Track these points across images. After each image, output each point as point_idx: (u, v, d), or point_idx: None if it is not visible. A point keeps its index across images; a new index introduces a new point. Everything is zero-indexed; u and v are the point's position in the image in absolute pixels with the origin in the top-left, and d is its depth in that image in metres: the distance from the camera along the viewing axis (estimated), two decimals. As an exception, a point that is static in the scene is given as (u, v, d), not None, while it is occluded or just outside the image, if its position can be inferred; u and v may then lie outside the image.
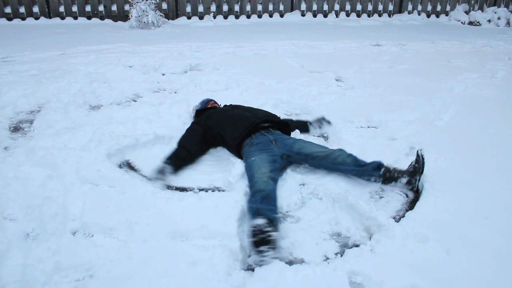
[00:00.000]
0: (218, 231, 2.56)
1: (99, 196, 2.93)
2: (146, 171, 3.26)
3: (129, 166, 3.34)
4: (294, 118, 4.11)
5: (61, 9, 9.22)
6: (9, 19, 8.90)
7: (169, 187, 3.06)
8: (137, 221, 2.65)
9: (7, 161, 3.34)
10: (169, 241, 2.49)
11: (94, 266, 2.32)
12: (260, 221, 2.41)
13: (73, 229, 2.63)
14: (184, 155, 3.33)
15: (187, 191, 3.02)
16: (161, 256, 2.37)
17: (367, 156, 3.33)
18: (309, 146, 3.22)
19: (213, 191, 2.98)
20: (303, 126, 3.85)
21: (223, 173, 3.18)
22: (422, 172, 2.93)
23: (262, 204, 2.62)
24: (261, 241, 2.34)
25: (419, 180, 2.95)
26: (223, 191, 2.99)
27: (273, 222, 2.48)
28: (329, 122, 3.94)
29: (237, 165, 3.15)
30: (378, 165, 2.99)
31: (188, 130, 3.55)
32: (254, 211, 2.60)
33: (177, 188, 3.05)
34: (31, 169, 3.15)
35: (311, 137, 3.70)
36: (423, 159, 2.93)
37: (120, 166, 3.33)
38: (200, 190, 3.02)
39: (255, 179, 2.85)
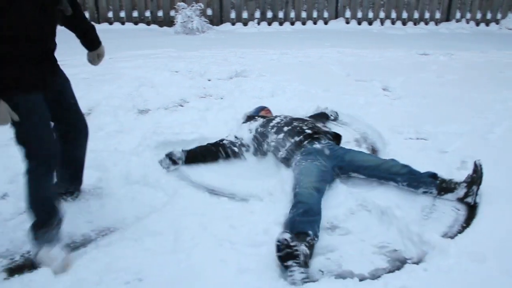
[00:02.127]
0: (264, 239, 2.55)
1: (146, 200, 2.98)
2: (193, 175, 3.29)
3: (176, 171, 3.37)
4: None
5: (110, 14, 9.46)
6: (60, 23, 9.19)
7: (216, 193, 3.07)
8: (185, 226, 2.67)
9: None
10: (217, 248, 2.49)
11: (143, 270, 2.35)
12: (286, 235, 2.33)
13: (122, 231, 2.68)
14: (203, 150, 3.45)
15: (235, 197, 3.02)
16: (209, 263, 2.38)
17: (416, 169, 3.27)
18: (361, 156, 3.18)
19: (261, 199, 2.97)
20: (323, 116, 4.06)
21: (271, 181, 3.16)
22: (480, 183, 2.83)
23: (303, 217, 2.57)
24: (287, 255, 2.27)
25: (477, 192, 2.84)
26: (271, 198, 2.98)
27: (306, 236, 2.43)
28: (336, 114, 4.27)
29: (285, 174, 3.13)
30: (433, 175, 2.92)
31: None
32: (291, 222, 2.55)
33: (225, 195, 3.05)
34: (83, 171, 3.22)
35: (361, 148, 3.63)
36: (481, 169, 2.83)
37: (167, 171, 3.37)
38: (249, 197, 3.02)
39: (299, 190, 2.81)
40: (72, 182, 2.89)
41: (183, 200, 2.95)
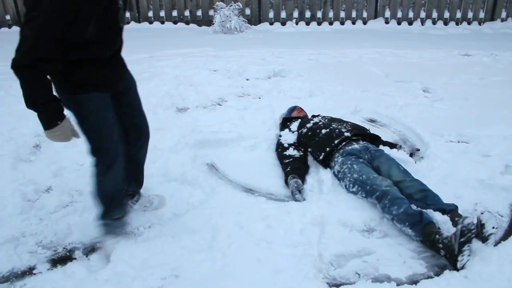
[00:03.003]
0: (300, 240, 2.55)
1: (184, 198, 3.02)
2: (230, 174, 3.32)
3: (214, 169, 3.40)
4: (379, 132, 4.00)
5: (150, 14, 9.62)
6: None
7: (253, 193, 3.08)
8: (222, 225, 2.69)
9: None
10: (253, 247, 2.51)
11: (179, 267, 2.39)
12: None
13: (160, 228, 2.73)
14: (297, 165, 3.33)
15: (272, 197, 3.03)
16: (245, 262, 2.40)
17: (458, 172, 3.20)
18: (386, 167, 3.05)
19: (297, 200, 2.97)
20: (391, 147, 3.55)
21: (309, 181, 3.16)
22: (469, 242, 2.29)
23: (414, 209, 2.60)
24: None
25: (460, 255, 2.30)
26: (308, 199, 2.97)
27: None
28: (420, 157, 3.59)
29: (323, 175, 3.11)
30: (442, 209, 2.67)
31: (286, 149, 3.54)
32: (417, 215, 2.53)
33: (262, 194, 3.06)
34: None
35: (399, 153, 3.39)
36: (481, 225, 2.42)
37: (205, 169, 3.40)
38: (286, 197, 3.03)
39: (383, 188, 2.76)
40: (131, 184, 2.87)
41: (220, 198, 2.98)
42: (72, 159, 3.55)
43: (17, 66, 2.01)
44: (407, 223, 2.53)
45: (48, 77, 2.18)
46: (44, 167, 3.43)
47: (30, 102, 2.10)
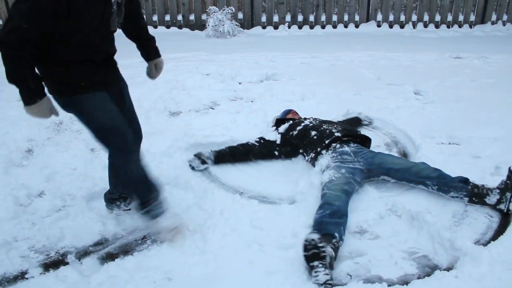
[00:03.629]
0: (292, 242, 2.56)
1: (177, 201, 3.02)
2: (222, 177, 3.33)
3: (206, 172, 3.41)
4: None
5: (143, 18, 9.63)
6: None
7: (245, 195, 3.09)
8: (214, 228, 2.70)
9: (95, 162, 3.54)
10: (245, 249, 2.52)
11: (172, 270, 2.40)
12: (314, 235, 2.35)
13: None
14: (232, 150, 3.51)
15: (264, 200, 3.04)
16: (237, 264, 2.41)
17: (448, 174, 3.22)
18: (391, 158, 3.15)
19: (290, 202, 2.98)
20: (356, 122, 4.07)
21: (300, 183, 3.17)
22: None
23: (330, 218, 2.59)
24: (314, 256, 2.29)
25: (511, 199, 2.75)
26: (300, 201, 2.98)
27: (332, 238, 2.44)
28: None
29: (314, 177, 3.13)
30: (465, 180, 2.86)
31: (258, 142, 3.64)
32: (318, 223, 2.58)
33: (254, 197, 3.07)
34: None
35: (391, 152, 3.59)
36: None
37: (197, 172, 3.41)
38: (278, 199, 3.04)
39: (327, 191, 2.82)
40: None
41: (212, 201, 2.99)
42: (65, 163, 3.55)
43: (1, 42, 2.06)
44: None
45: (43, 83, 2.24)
46: (37, 171, 3.43)
47: (12, 78, 2.14)
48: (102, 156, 3.51)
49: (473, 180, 2.95)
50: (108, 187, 2.93)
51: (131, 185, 2.57)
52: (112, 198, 2.90)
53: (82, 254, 2.58)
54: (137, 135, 2.75)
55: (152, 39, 2.84)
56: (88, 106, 2.35)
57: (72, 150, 3.79)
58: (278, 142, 3.59)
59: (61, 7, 2.07)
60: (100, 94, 2.39)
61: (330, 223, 2.55)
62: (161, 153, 3.61)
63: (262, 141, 3.62)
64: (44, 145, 3.89)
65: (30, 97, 2.20)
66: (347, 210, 2.71)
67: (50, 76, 2.30)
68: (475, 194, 2.81)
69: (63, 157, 3.65)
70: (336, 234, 2.48)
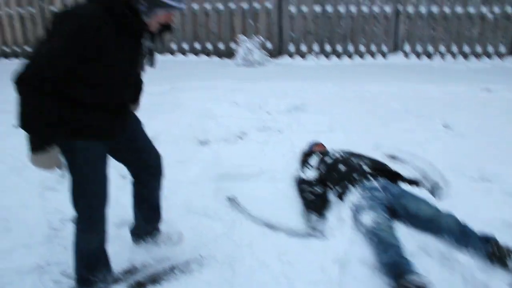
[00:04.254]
0: (321, 278, 2.54)
1: (205, 231, 3.05)
2: (251, 208, 3.34)
3: (235, 203, 3.43)
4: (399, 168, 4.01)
5: (173, 45, 9.84)
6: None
7: (274, 228, 3.09)
8: (242, 260, 2.71)
9: (126, 189, 3.57)
10: (273, 283, 2.54)
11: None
12: (419, 276, 2.34)
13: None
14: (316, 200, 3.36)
15: (292, 233, 3.03)
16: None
17: (480, 212, 3.16)
18: (417, 203, 3.01)
19: (319, 237, 2.97)
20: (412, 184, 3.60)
21: (329, 217, 3.16)
22: None
23: (400, 258, 2.55)
24: None
25: None
26: (325, 235, 2.97)
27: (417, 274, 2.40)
28: (442, 188, 3.63)
29: (343, 212, 3.11)
30: (486, 238, 2.66)
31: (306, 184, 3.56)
32: (393, 266, 2.51)
33: (283, 230, 3.07)
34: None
35: (419, 190, 3.39)
36: None
37: (226, 201, 3.43)
38: (307, 233, 3.03)
39: (379, 232, 2.74)
40: (148, 223, 2.85)
41: (240, 233, 3.00)
42: (96, 189, 3.61)
43: (21, 80, 1.95)
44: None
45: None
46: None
47: (25, 121, 2.00)
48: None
49: (507, 218, 2.89)
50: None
51: (79, 255, 2.44)
52: (138, 234, 2.88)
53: (111, 281, 2.60)
54: (153, 173, 2.69)
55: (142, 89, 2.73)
56: (81, 157, 2.22)
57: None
58: (315, 177, 3.56)
59: (90, 50, 2.01)
60: (99, 148, 2.28)
61: (408, 263, 2.51)
62: (190, 181, 3.65)
63: (310, 183, 3.54)
64: (55, 190, 3.95)
65: (40, 143, 2.06)
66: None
67: (54, 112, 2.10)
68: (495, 256, 2.58)
69: (94, 182, 3.72)
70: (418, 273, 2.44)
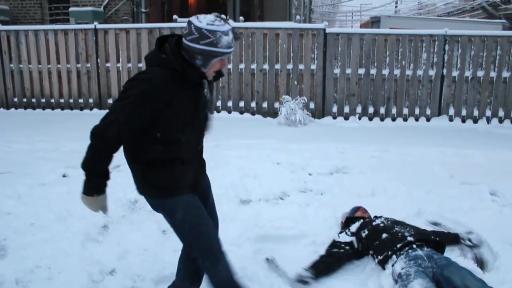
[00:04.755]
0: None
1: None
2: (290, 272, 3.31)
3: (274, 265, 3.41)
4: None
5: (218, 103, 10.14)
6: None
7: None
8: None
9: (166, 244, 3.66)
10: None
11: None
12: None
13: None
14: (328, 264, 3.34)
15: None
16: None
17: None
18: (461, 275, 2.91)
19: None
20: (453, 240, 3.69)
21: (369, 285, 3.10)
22: None
23: None
24: None
25: None
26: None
27: None
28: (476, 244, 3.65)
29: (382, 278, 3.05)
30: None
31: (335, 246, 3.56)
32: None
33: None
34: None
35: (465, 261, 3.38)
36: None
37: (265, 265, 3.42)
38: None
39: None
40: (193, 283, 2.92)
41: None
42: (137, 243, 3.69)
43: (95, 133, 2.25)
44: None
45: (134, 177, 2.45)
46: (110, 248, 3.59)
47: (88, 167, 2.29)
48: (173, 239, 3.58)
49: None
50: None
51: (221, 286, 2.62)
52: None
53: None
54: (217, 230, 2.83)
55: None
56: (179, 211, 2.46)
57: (144, 230, 3.94)
58: (355, 244, 3.53)
59: (162, 104, 2.27)
60: (190, 198, 2.49)
61: None
62: (230, 242, 3.66)
63: (342, 245, 3.55)
64: (119, 223, 4.09)
65: (93, 189, 2.34)
66: None
67: (142, 177, 2.45)
68: None
69: (135, 236, 3.80)
70: None
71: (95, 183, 2.34)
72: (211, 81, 2.51)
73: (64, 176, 5.37)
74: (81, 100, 10.19)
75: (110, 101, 9.96)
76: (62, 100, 10.26)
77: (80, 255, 3.46)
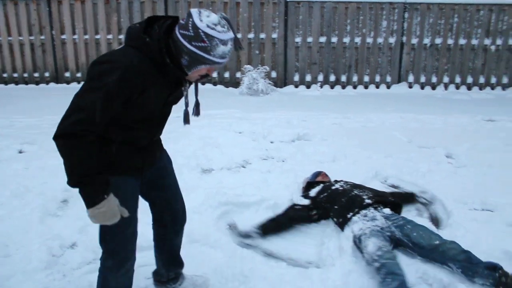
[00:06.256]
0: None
1: (206, 260, 3.05)
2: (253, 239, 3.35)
3: (235, 229, 3.43)
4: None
5: (180, 74, 9.99)
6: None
7: (274, 257, 3.10)
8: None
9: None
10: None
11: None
12: None
13: None
14: (276, 225, 3.43)
15: (292, 263, 3.04)
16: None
17: (482, 242, 3.16)
18: (420, 231, 3.04)
19: (319, 266, 2.97)
20: (409, 199, 3.82)
21: (330, 247, 3.16)
22: None
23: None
24: None
25: None
26: (325, 264, 2.97)
27: None
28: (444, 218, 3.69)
29: (344, 242, 3.12)
30: (494, 266, 2.68)
31: (292, 208, 3.61)
32: None
33: (283, 259, 3.07)
34: (146, 227, 3.34)
35: (421, 220, 3.49)
36: None
37: (227, 231, 3.45)
38: (307, 263, 3.03)
39: (384, 261, 2.75)
40: (169, 269, 2.73)
41: (241, 262, 3.00)
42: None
43: (63, 134, 1.89)
44: None
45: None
46: (71, 222, 3.52)
47: (76, 174, 1.94)
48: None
49: (508, 249, 2.88)
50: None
51: None
52: (161, 281, 2.76)
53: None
54: (177, 216, 2.62)
55: None
56: (121, 192, 2.12)
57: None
58: (311, 206, 3.58)
59: (134, 96, 2.01)
60: (133, 183, 2.25)
61: None
62: (192, 209, 3.64)
63: (297, 207, 3.59)
64: (80, 198, 3.99)
65: (96, 194, 1.96)
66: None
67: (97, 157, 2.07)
68: (502, 284, 2.60)
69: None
70: None
71: (96, 186, 1.97)
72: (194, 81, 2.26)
73: (20, 152, 5.21)
74: (36, 74, 9.76)
75: (67, 74, 9.61)
76: (15, 75, 9.81)
77: (39, 231, 3.38)
